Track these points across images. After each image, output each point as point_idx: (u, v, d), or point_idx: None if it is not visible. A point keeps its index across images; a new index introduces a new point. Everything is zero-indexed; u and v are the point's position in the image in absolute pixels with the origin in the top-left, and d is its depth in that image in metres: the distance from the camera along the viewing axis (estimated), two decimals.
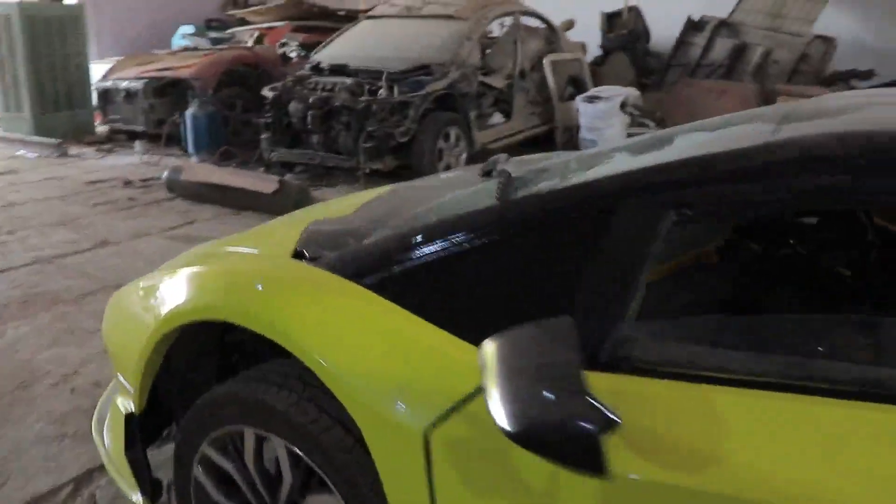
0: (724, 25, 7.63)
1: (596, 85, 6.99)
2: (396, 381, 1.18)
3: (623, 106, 6.23)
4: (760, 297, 1.52)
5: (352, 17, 8.37)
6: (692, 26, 7.85)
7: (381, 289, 1.29)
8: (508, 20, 6.62)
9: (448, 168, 5.20)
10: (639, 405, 0.98)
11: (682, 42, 7.85)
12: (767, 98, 6.85)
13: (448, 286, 1.27)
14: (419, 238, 1.30)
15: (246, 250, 1.77)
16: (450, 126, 5.21)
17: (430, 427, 1.12)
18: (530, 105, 6.55)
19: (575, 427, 0.88)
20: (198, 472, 1.50)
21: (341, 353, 1.23)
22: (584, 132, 6.33)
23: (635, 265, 1.09)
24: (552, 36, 7.04)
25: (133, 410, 1.59)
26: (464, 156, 5.41)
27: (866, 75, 7.66)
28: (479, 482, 1.11)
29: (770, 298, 1.52)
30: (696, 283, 1.53)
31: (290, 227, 1.79)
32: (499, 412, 0.92)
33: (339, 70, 5.68)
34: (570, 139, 6.71)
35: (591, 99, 6.25)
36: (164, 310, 1.48)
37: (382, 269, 1.32)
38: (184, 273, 1.56)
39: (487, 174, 1.83)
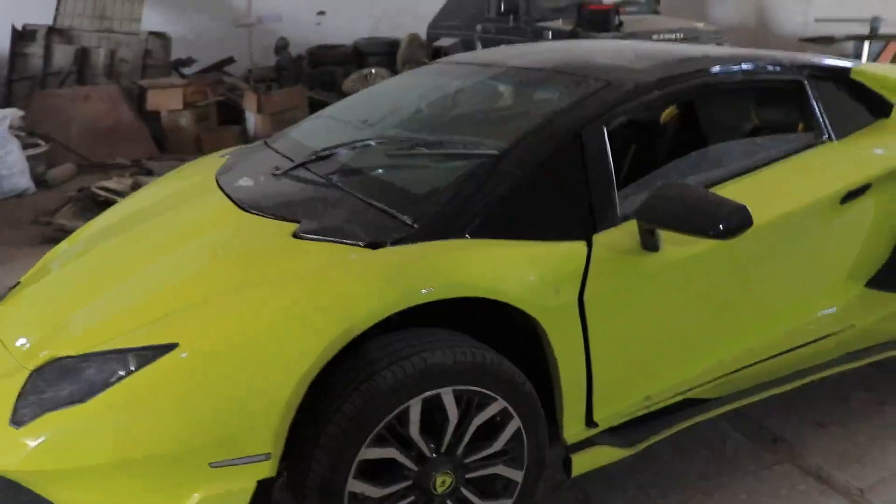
0: (54, 32, 7.97)
1: None
2: (552, 283, 1.90)
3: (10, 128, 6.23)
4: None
5: None
6: (20, 36, 7.94)
7: (479, 234, 1.92)
8: None
9: None
10: None
11: (17, 55, 7.89)
12: (133, 94, 7.69)
13: (510, 216, 1.96)
14: (472, 194, 1.97)
15: None
16: None
17: (581, 292, 1.91)
18: None
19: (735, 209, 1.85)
20: (354, 485, 1.75)
21: (519, 286, 1.86)
22: None
23: (607, 162, 2.09)
24: None
25: (266, 475, 1.67)
26: None
27: (189, 62, 9.15)
28: (623, 301, 1.99)
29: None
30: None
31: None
32: (701, 229, 1.87)
33: None
34: None
35: None
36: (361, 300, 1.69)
37: (469, 222, 1.92)
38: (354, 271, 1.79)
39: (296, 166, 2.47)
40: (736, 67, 2.55)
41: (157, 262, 2.19)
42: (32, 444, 1.68)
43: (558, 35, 6.48)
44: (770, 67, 2.64)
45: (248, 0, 9.55)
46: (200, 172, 2.94)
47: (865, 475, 2.35)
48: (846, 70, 2.80)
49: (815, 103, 2.64)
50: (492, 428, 1.94)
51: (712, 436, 2.55)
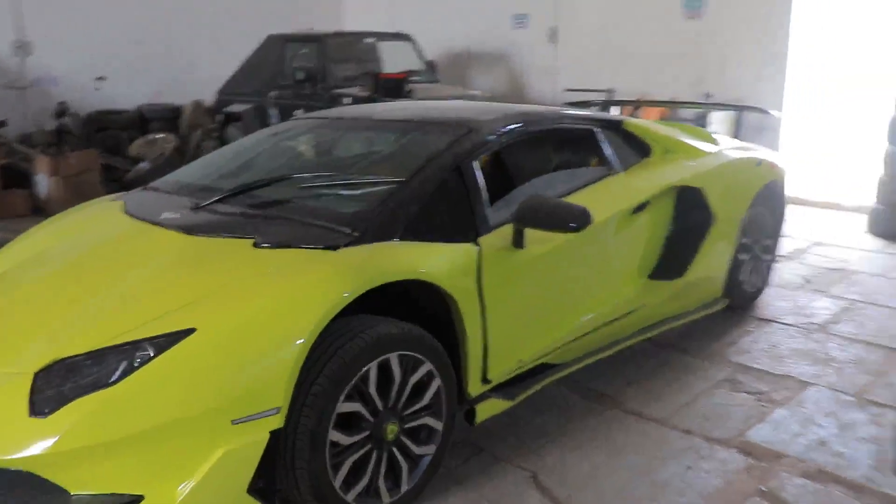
0: None
1: None
2: (461, 272, 2.57)
3: None
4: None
5: None
6: None
7: (405, 238, 2.53)
8: None
9: None
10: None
11: None
12: None
13: (421, 225, 2.60)
14: (393, 209, 2.57)
15: None
16: None
17: (478, 278, 2.60)
18: None
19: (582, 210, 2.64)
20: (333, 435, 2.22)
21: (441, 273, 2.49)
22: None
23: (479, 186, 2.79)
24: None
25: (277, 426, 2.11)
26: None
27: None
28: (504, 286, 2.70)
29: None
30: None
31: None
32: (562, 225, 2.65)
33: None
34: None
35: None
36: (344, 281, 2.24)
37: (396, 230, 2.53)
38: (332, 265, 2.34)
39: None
40: (552, 119, 3.42)
41: (125, 280, 2.50)
42: (65, 426, 1.97)
43: (357, 100, 7.22)
44: (573, 120, 3.56)
45: (20, 62, 9.23)
46: (97, 215, 3.21)
47: (666, 408, 3.23)
48: (620, 122, 3.80)
49: (604, 146, 3.59)
50: (420, 387, 2.51)
51: (557, 397, 3.31)
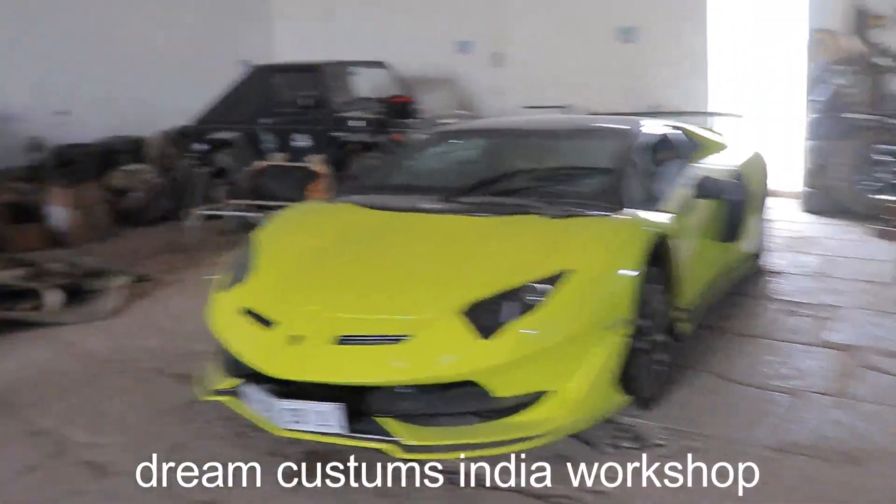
0: None
1: None
2: (672, 230, 3.82)
3: None
4: None
5: None
6: None
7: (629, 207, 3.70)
8: None
9: None
10: None
11: None
12: None
13: (634, 201, 3.76)
14: (623, 186, 3.83)
15: None
16: None
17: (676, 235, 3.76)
18: None
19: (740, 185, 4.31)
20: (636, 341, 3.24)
21: (671, 231, 3.62)
22: None
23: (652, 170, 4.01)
24: None
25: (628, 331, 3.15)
26: None
27: None
28: (682, 240, 3.83)
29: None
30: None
31: None
32: (731, 196, 4.15)
33: None
34: None
35: None
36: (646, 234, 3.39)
37: (626, 202, 3.71)
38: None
39: None
40: (660, 125, 4.73)
41: (466, 249, 3.43)
42: (506, 345, 2.90)
43: (368, 122, 8.18)
44: (665, 126, 4.87)
45: None
46: (346, 211, 4.07)
47: (760, 328, 4.58)
48: (683, 128, 5.16)
49: (679, 144, 4.92)
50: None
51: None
